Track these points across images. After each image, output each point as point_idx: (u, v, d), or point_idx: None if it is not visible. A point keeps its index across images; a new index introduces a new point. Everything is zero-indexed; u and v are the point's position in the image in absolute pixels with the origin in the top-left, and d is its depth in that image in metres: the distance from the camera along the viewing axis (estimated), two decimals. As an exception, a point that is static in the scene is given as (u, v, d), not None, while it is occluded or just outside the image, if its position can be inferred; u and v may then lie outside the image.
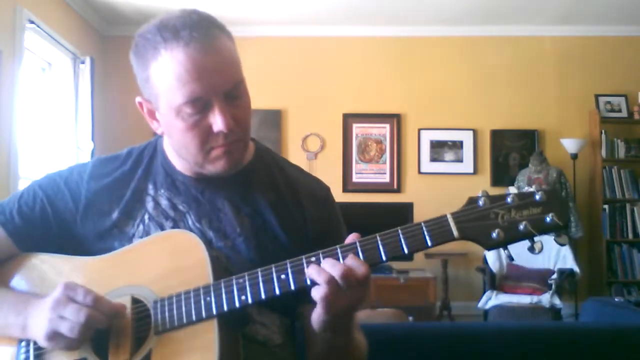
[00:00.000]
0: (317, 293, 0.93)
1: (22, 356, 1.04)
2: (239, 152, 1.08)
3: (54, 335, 0.97)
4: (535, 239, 0.93)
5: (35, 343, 1.03)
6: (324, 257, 0.95)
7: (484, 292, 4.79)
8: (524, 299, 4.51)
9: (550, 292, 4.48)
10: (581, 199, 5.64)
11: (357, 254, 0.94)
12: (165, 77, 1.00)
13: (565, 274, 4.59)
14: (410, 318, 3.05)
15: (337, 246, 0.96)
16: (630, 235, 5.56)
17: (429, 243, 0.94)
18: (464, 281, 5.66)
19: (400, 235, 0.95)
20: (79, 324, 0.95)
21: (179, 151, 1.09)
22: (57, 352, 1.02)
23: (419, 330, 1.63)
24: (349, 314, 0.99)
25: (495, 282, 4.81)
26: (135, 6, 5.30)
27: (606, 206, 5.57)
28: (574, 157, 5.51)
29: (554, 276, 4.59)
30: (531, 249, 0.93)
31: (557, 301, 4.44)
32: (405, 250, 0.95)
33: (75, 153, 5.01)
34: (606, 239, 5.53)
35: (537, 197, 0.93)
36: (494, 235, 0.92)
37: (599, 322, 2.50)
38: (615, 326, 1.71)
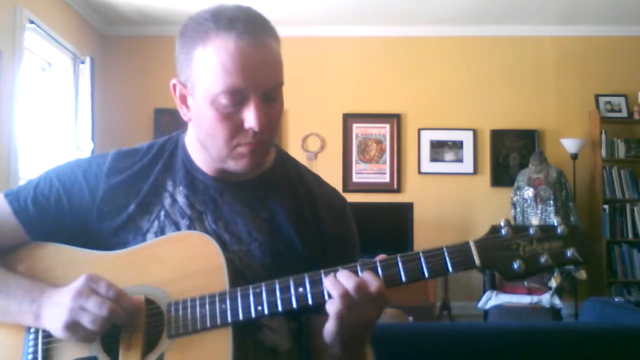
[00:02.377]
0: (331, 307, 0.93)
1: (31, 349, 1.03)
2: (262, 154, 1.07)
3: (73, 326, 0.96)
4: (555, 271, 0.93)
5: (44, 333, 1.02)
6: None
7: (484, 292, 4.79)
8: (524, 299, 4.50)
9: (550, 292, 4.48)
10: (581, 199, 5.64)
11: (376, 272, 0.94)
12: (210, 62, 0.99)
13: (565, 274, 4.59)
14: (410, 318, 3.04)
15: (357, 263, 0.96)
16: (630, 235, 5.56)
17: (450, 269, 0.94)
18: (464, 281, 5.66)
19: (422, 259, 0.95)
20: (100, 317, 0.95)
21: (204, 141, 1.07)
22: (67, 347, 1.01)
23: (419, 330, 1.63)
24: (361, 332, 0.98)
25: (495, 282, 4.81)
26: (135, 6, 5.30)
27: (606, 206, 5.57)
28: (574, 157, 5.51)
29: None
30: (549, 281, 0.94)
31: (557, 301, 4.43)
32: (426, 275, 0.95)
33: (75, 153, 5.01)
34: (606, 239, 5.53)
35: (559, 230, 0.94)
36: (515, 266, 0.93)
37: (599, 322, 2.51)
38: (615, 326, 1.71)
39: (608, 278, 5.50)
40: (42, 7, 4.63)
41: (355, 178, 5.89)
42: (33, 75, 4.84)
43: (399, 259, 0.95)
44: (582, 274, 0.94)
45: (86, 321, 0.96)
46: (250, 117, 1.00)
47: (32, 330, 1.04)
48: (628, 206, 5.60)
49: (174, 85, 1.08)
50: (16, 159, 4.19)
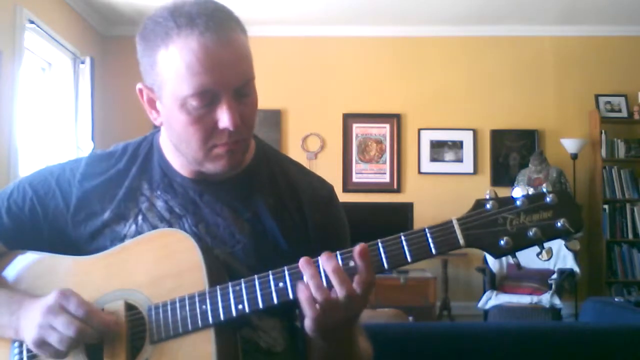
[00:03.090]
0: (306, 309, 0.90)
1: (16, 358, 1.02)
2: (241, 152, 1.03)
3: (42, 344, 0.94)
4: (545, 245, 0.89)
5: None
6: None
7: (484, 292, 4.79)
8: (524, 299, 4.51)
9: (550, 292, 4.48)
10: (581, 199, 5.64)
11: (357, 262, 0.90)
12: (174, 64, 0.94)
13: (565, 274, 4.59)
14: (410, 318, 3.04)
15: (338, 252, 0.92)
16: (630, 235, 5.56)
17: (434, 251, 0.89)
18: (464, 281, 5.66)
19: (403, 242, 0.90)
20: (67, 337, 0.93)
21: (178, 145, 1.03)
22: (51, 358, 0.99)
23: (419, 330, 1.63)
24: (346, 325, 0.95)
25: (495, 282, 4.81)
26: (135, 6, 5.30)
27: (606, 206, 5.57)
28: (574, 157, 5.51)
29: (554, 276, 4.59)
30: (539, 255, 0.89)
31: (557, 301, 4.44)
32: (409, 259, 0.90)
33: (75, 153, 5.01)
34: (606, 239, 5.53)
35: (548, 199, 0.88)
36: (502, 243, 0.88)
37: (599, 322, 2.51)
38: (615, 326, 1.71)
39: (608, 278, 5.50)
40: (42, 7, 4.63)
41: (355, 178, 5.88)
42: (33, 75, 4.84)
43: (379, 244, 0.91)
44: (575, 244, 0.91)
45: (53, 340, 0.93)
46: (223, 117, 0.95)
47: (16, 344, 1.03)
48: (628, 206, 5.60)
49: (140, 90, 1.03)
50: (16, 159, 4.19)
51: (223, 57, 0.94)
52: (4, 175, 4.08)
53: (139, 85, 1.04)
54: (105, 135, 5.58)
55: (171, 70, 0.95)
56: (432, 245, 0.89)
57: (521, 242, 0.88)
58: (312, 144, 5.92)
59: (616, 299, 3.35)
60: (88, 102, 5.12)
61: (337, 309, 0.89)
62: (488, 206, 0.89)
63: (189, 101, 0.95)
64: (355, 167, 5.89)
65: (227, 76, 0.95)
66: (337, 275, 0.88)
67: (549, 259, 0.89)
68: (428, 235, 0.90)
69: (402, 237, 0.91)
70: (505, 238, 0.88)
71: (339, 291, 0.88)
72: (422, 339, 1.54)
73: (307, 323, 0.91)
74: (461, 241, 0.89)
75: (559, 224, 0.87)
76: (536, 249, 0.90)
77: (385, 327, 1.57)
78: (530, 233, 0.88)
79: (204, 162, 1.02)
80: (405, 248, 0.90)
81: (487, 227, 0.89)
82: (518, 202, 0.89)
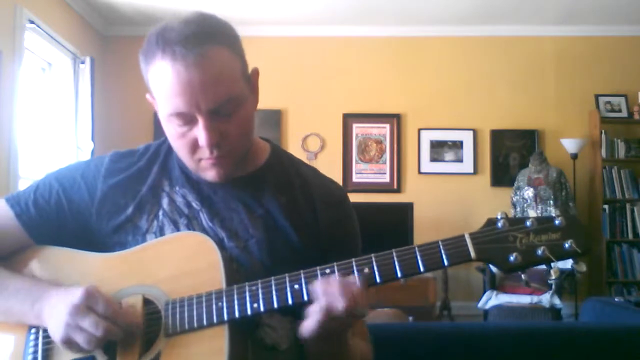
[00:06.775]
0: (314, 314, 0.93)
1: (31, 349, 1.05)
2: (230, 164, 1.07)
3: (69, 342, 0.97)
4: (553, 264, 0.93)
5: (45, 334, 1.03)
6: (338, 270, 0.95)
7: (484, 292, 4.79)
8: (524, 299, 4.51)
9: (550, 292, 4.48)
10: (581, 199, 5.64)
11: (372, 269, 0.94)
12: (156, 84, 1.01)
13: (565, 274, 4.58)
14: (410, 318, 3.05)
15: (353, 260, 0.95)
16: (630, 235, 5.56)
17: (446, 262, 0.93)
18: (464, 281, 5.66)
19: (417, 253, 0.94)
20: (96, 337, 0.96)
21: (176, 153, 1.11)
22: None
23: (419, 330, 1.63)
24: (341, 329, 0.98)
25: (495, 282, 4.81)
26: (135, 6, 5.30)
27: (606, 206, 5.57)
28: (574, 157, 5.51)
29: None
30: (547, 274, 0.93)
31: (557, 301, 4.44)
32: (422, 269, 0.94)
33: (75, 153, 5.01)
34: (606, 239, 5.53)
35: (557, 222, 0.93)
36: (512, 258, 0.92)
37: (599, 322, 2.50)
38: (615, 326, 1.71)
39: (608, 278, 5.50)
40: (42, 7, 4.63)
41: (355, 178, 5.88)
42: (33, 75, 4.84)
43: (394, 254, 0.95)
44: (582, 266, 0.93)
45: (81, 340, 0.96)
46: (200, 136, 1.01)
47: (32, 330, 1.06)
48: (628, 206, 5.60)
49: (148, 99, 1.10)
50: (16, 159, 4.19)
51: (193, 82, 0.97)
52: (4, 176, 4.08)
53: (147, 95, 1.10)
54: (105, 135, 5.58)
55: (155, 89, 1.03)
56: (444, 256, 0.94)
57: (530, 259, 0.93)
58: (312, 144, 5.92)
59: (616, 299, 3.34)
60: (88, 102, 5.12)
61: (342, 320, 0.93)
62: (499, 224, 0.94)
63: (172, 119, 1.02)
64: (355, 167, 5.89)
65: (198, 100, 0.99)
66: (349, 299, 0.91)
67: (556, 279, 0.92)
68: (441, 247, 0.94)
69: (416, 249, 0.95)
70: (514, 254, 0.92)
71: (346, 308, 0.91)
72: (422, 339, 1.54)
73: (309, 325, 0.94)
74: (472, 254, 0.93)
75: (566, 245, 0.92)
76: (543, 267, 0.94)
77: (385, 327, 1.57)
78: (539, 252, 0.92)
79: (197, 171, 1.09)
80: (419, 259, 0.94)
81: (497, 243, 0.93)
82: (528, 223, 0.94)
